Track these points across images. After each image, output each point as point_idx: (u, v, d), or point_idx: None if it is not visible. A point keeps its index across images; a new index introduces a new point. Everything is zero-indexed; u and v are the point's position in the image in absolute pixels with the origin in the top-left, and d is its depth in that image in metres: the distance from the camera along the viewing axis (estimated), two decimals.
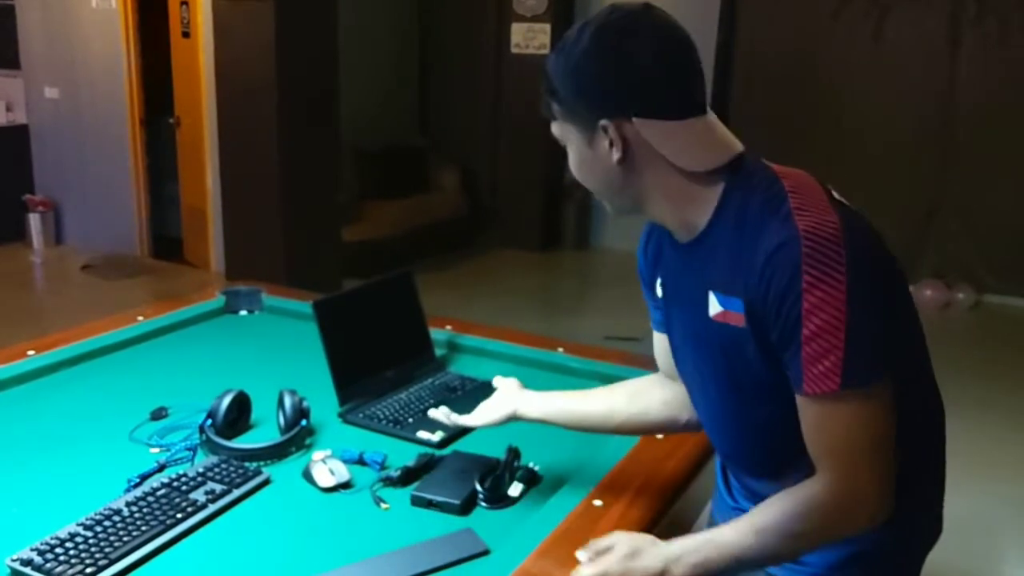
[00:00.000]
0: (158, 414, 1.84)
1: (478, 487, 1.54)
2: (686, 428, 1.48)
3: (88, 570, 1.28)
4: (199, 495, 1.49)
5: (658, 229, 1.32)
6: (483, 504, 1.53)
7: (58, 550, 1.30)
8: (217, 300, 2.52)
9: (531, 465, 1.61)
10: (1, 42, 6.87)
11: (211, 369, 2.11)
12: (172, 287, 5.86)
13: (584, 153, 1.22)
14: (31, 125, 7.01)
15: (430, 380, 2.04)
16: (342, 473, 1.59)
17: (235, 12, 5.12)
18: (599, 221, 7.27)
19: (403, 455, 1.66)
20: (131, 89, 6.41)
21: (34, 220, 6.82)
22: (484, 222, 7.43)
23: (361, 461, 1.66)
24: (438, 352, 2.19)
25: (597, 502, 1.48)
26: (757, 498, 1.31)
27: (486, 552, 1.38)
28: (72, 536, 1.34)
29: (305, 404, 1.75)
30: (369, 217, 6.53)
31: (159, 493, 1.48)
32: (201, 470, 1.56)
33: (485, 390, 1.69)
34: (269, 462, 1.66)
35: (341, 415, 1.86)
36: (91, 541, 1.33)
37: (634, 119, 1.16)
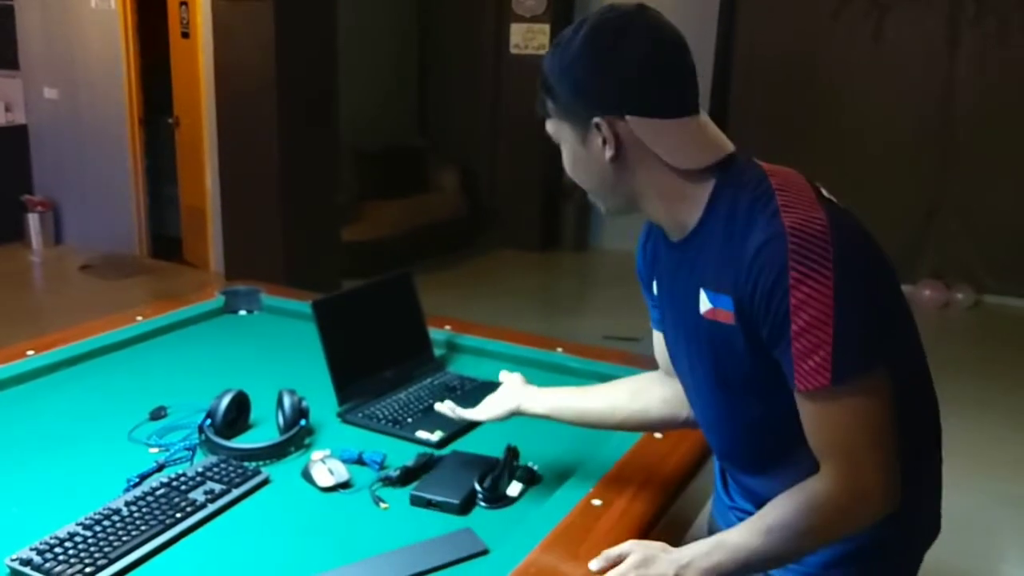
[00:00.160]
0: (157, 414, 1.84)
1: (477, 487, 1.54)
2: (685, 425, 1.49)
3: (87, 570, 1.28)
4: (198, 495, 1.49)
5: (656, 229, 1.33)
6: (482, 504, 1.53)
7: (57, 550, 1.30)
8: (216, 300, 2.52)
9: (530, 464, 1.62)
10: (0, 42, 6.87)
11: (210, 369, 2.11)
12: (171, 287, 5.86)
13: (578, 151, 1.23)
14: (30, 125, 7.02)
15: (429, 380, 2.04)
16: (341, 473, 1.59)
17: (234, 12, 5.12)
18: (598, 222, 7.28)
19: (402, 455, 1.66)
20: (130, 89, 6.41)
21: (33, 220, 6.82)
22: (483, 222, 7.43)
23: (360, 461, 1.66)
24: (437, 352, 2.19)
25: (596, 501, 1.48)
26: (754, 497, 1.32)
27: (485, 552, 1.38)
28: (71, 536, 1.34)
29: (304, 404, 1.75)
30: (368, 217, 6.53)
31: (158, 493, 1.48)
32: (200, 470, 1.56)
33: (484, 390, 1.69)
34: (268, 462, 1.66)
35: (340, 415, 1.86)
36: (90, 541, 1.33)
37: (627, 117, 1.17)
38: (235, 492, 1.52)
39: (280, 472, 1.63)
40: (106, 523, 1.38)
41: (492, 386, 1.66)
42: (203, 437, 1.70)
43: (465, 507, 1.51)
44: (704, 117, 1.21)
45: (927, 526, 1.35)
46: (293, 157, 5.21)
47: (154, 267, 6.51)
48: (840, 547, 1.26)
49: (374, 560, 1.35)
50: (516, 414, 1.55)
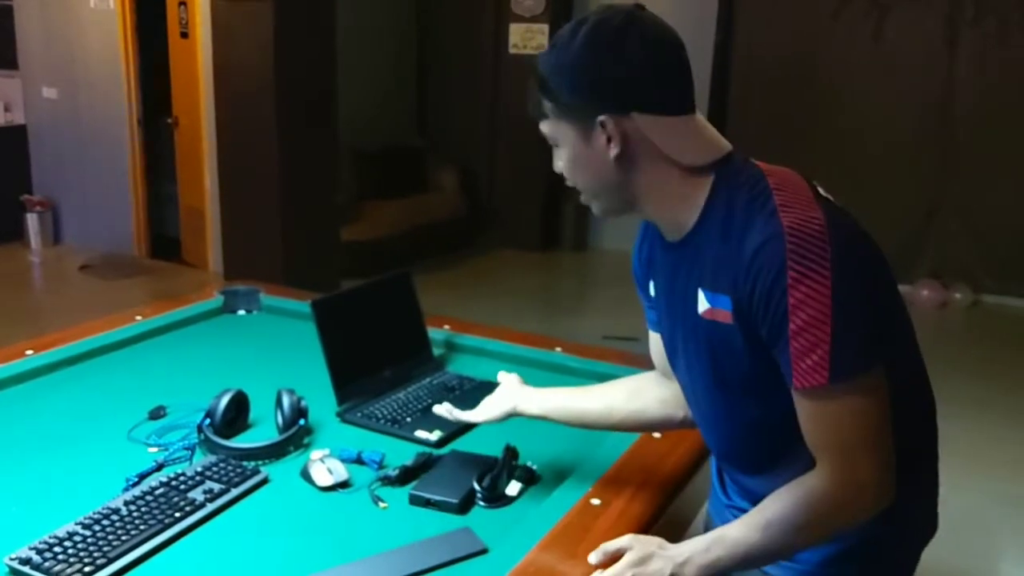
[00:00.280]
0: (156, 413, 1.84)
1: (476, 486, 1.54)
2: (682, 425, 1.49)
3: (86, 569, 1.28)
4: (197, 494, 1.49)
5: (652, 230, 1.33)
6: (481, 503, 1.53)
7: (56, 549, 1.30)
8: (215, 300, 2.52)
9: (529, 464, 1.62)
10: None
11: (209, 369, 2.11)
12: (170, 287, 5.85)
13: (579, 150, 1.23)
14: (29, 125, 7.01)
15: (428, 379, 2.04)
16: (340, 472, 1.59)
17: (234, 12, 5.12)
18: (598, 222, 7.27)
19: (401, 454, 1.66)
20: (129, 89, 6.41)
21: (32, 220, 6.82)
22: (483, 222, 7.43)
23: (359, 460, 1.66)
24: (436, 352, 2.19)
25: (595, 501, 1.48)
26: (752, 496, 1.32)
27: (484, 551, 1.38)
28: (71, 535, 1.34)
29: (303, 403, 1.75)
30: (368, 217, 6.53)
31: (157, 492, 1.48)
32: (199, 469, 1.57)
33: (483, 389, 1.69)
34: (267, 461, 1.66)
35: (339, 414, 1.86)
36: (89, 540, 1.33)
37: (634, 114, 1.17)
38: (234, 492, 1.52)
39: (279, 472, 1.63)
40: (105, 522, 1.38)
41: (491, 386, 1.66)
42: (202, 437, 1.70)
43: (464, 506, 1.51)
44: (701, 116, 1.22)
45: (924, 524, 1.35)
46: (292, 157, 5.21)
47: (153, 267, 6.51)
48: (837, 545, 1.27)
49: (373, 559, 1.36)
50: (513, 415, 1.55)
